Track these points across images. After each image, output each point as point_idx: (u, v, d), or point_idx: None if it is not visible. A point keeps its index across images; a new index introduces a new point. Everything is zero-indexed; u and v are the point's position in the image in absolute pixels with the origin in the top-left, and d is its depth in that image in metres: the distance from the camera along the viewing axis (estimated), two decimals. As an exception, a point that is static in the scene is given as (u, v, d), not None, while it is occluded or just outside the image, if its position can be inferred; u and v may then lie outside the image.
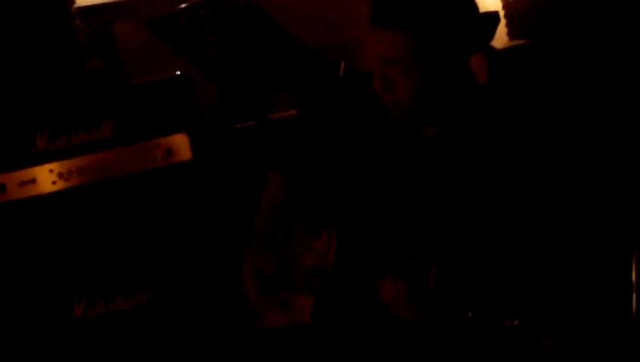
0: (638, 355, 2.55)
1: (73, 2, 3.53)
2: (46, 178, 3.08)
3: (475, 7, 2.23)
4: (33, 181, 3.08)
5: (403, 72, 2.16)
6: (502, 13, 3.86)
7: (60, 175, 3.08)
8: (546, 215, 2.15)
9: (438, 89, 2.19)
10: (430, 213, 2.19)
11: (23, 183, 3.07)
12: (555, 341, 2.13)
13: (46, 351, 3.08)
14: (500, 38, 3.80)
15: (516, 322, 1.90)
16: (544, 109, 2.33)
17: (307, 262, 2.29)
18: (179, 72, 3.13)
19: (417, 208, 2.21)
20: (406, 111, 2.21)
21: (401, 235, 2.19)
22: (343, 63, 3.52)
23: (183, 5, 3.44)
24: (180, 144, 3.10)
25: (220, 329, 3.08)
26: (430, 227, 2.17)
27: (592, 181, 2.70)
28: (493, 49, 2.55)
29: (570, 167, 2.25)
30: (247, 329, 2.52)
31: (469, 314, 1.93)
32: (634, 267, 2.55)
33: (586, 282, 2.38)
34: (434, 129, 2.26)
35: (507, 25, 3.90)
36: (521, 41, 3.84)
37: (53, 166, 3.08)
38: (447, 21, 2.15)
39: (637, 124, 3.28)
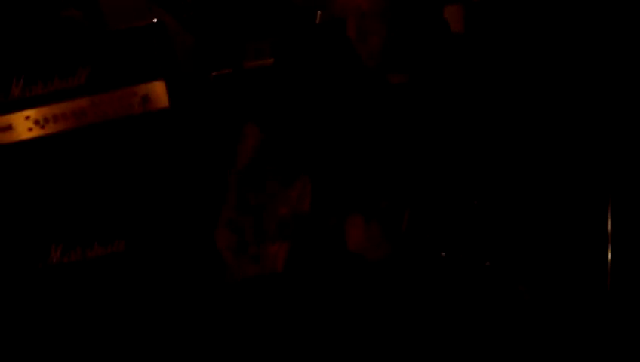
0: (612, 304, 2.59)
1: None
2: (22, 125, 3.08)
3: None
4: (9, 128, 3.08)
5: (378, 24, 2.17)
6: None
7: (36, 122, 3.08)
8: (521, 159, 2.18)
9: (412, 39, 2.21)
10: (403, 155, 2.22)
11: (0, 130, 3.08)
12: (529, 288, 2.17)
13: (22, 298, 3.10)
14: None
15: (488, 263, 1.93)
16: (518, 61, 2.35)
17: (282, 210, 2.31)
18: (155, 20, 3.12)
19: (391, 152, 2.24)
20: (379, 61, 2.23)
21: (375, 178, 2.22)
22: (319, 12, 3.52)
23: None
24: (157, 92, 3.10)
25: (196, 279, 3.10)
26: (404, 169, 2.21)
27: (568, 129, 2.72)
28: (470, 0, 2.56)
29: (545, 115, 2.27)
30: (222, 281, 2.55)
31: (442, 255, 1.96)
32: (609, 217, 2.58)
33: (561, 229, 2.41)
34: (403, 76, 2.28)
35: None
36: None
37: (30, 113, 3.08)
38: None
39: (607, 73, 3.31)
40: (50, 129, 3.09)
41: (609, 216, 2.56)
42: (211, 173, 3.06)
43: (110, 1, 3.65)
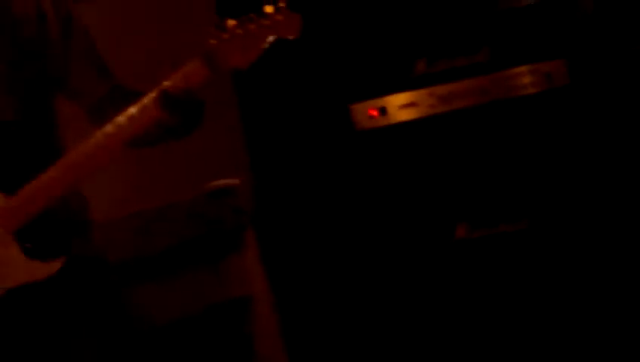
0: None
1: None
2: (425, 101, 3.15)
3: None
4: (413, 104, 3.16)
5: None
6: None
7: (440, 98, 3.13)
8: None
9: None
10: None
11: (403, 106, 3.16)
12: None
13: (429, 272, 3.17)
14: None
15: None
16: None
17: None
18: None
19: None
20: None
21: None
22: None
23: None
24: (558, 69, 3.06)
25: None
26: None
27: None
28: None
29: None
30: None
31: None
32: None
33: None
34: None
35: None
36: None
37: (433, 90, 3.14)
38: None
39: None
40: (452, 106, 3.13)
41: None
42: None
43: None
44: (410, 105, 3.15)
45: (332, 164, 3.22)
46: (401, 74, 3.16)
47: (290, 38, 2.01)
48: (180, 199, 3.30)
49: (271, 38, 2.00)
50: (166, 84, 1.97)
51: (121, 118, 1.98)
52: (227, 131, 3.43)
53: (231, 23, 1.99)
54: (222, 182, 3.33)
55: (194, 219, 3.27)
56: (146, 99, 1.98)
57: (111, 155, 2.01)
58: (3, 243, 2.02)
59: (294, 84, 3.25)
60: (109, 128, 1.99)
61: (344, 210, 3.23)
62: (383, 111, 3.16)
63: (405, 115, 3.16)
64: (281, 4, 2.00)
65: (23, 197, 2.01)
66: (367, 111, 3.16)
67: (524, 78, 3.08)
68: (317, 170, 3.24)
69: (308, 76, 3.21)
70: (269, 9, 2.00)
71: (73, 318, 2.07)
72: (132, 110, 1.98)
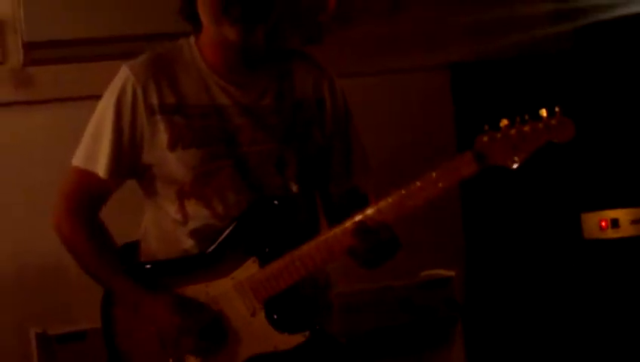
0: None
1: None
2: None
3: None
4: (646, 218, 3.09)
5: None
6: None
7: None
8: None
9: None
10: None
11: (636, 221, 3.09)
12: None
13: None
14: None
15: None
16: None
17: None
18: None
19: None
20: None
21: None
22: None
23: None
24: None
25: None
26: None
27: None
28: None
29: None
30: None
31: None
32: None
33: None
34: None
35: None
36: None
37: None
38: None
39: None
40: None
41: None
42: None
43: None
44: (644, 219, 3.10)
45: (554, 269, 3.17)
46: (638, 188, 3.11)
47: (562, 141, 2.00)
48: (394, 284, 3.29)
49: (542, 141, 1.99)
50: (368, 213, 1.99)
51: (333, 231, 2.02)
52: (448, 222, 3.44)
53: (504, 122, 1.99)
54: (436, 272, 3.32)
55: (405, 306, 3.25)
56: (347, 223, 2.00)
57: (334, 257, 2.04)
58: (252, 311, 2.06)
59: (522, 184, 3.22)
60: (329, 233, 2.04)
61: (559, 318, 3.16)
62: (614, 223, 3.09)
63: (637, 230, 3.09)
64: (557, 109, 1.99)
65: (277, 268, 2.04)
66: (598, 222, 3.10)
67: None
68: (535, 272, 3.20)
69: (540, 178, 3.18)
70: (543, 112, 1.99)
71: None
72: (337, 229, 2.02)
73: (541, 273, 3.21)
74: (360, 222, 1.99)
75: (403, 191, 1.99)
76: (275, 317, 2.08)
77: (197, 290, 2.08)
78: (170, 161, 2.08)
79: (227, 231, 2.08)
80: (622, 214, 3.10)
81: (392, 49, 3.59)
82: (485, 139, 1.99)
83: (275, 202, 2.08)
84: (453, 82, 3.54)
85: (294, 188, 2.12)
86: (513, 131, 1.98)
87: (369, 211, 1.99)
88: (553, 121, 1.98)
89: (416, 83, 3.60)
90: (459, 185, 3.26)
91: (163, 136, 2.08)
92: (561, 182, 3.18)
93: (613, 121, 3.16)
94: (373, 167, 2.25)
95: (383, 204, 1.98)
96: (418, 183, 1.99)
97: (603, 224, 3.10)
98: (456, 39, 3.59)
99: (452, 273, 3.30)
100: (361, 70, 3.48)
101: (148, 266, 2.16)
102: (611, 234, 3.11)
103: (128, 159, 2.11)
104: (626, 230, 3.10)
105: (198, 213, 2.09)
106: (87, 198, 2.14)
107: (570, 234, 3.14)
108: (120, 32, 3.29)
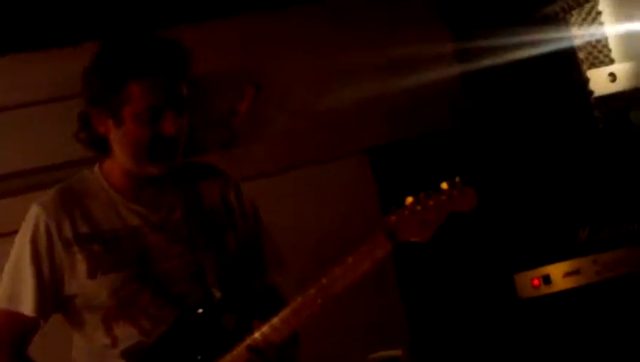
0: None
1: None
2: (589, 269, 3.13)
3: None
4: (577, 272, 3.14)
5: None
6: None
7: (604, 265, 3.11)
8: None
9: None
10: None
11: (568, 274, 3.14)
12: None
13: None
14: None
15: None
16: None
17: None
18: None
19: None
20: None
21: None
22: None
23: None
24: None
25: None
26: None
27: None
28: None
29: None
30: None
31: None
32: None
33: None
34: None
35: None
36: None
37: (597, 257, 3.13)
38: None
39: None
40: (617, 272, 3.11)
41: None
42: None
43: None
44: (574, 272, 3.14)
45: (494, 331, 3.20)
46: (565, 242, 3.16)
47: (467, 210, 2.07)
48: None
49: (447, 212, 2.06)
50: (256, 336, 2.06)
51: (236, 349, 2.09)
52: (388, 300, 3.48)
53: (409, 200, 2.06)
54: (385, 353, 3.34)
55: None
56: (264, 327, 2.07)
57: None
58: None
59: (454, 254, 3.27)
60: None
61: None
62: (546, 279, 3.15)
63: (569, 283, 3.15)
64: (457, 180, 2.06)
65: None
66: (530, 280, 3.15)
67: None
68: (477, 340, 3.23)
69: (471, 246, 3.23)
70: (444, 185, 2.06)
71: None
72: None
73: (482, 337, 3.23)
74: (249, 346, 2.06)
75: (324, 280, 2.05)
76: None
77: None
78: (92, 288, 2.11)
79: (154, 349, 2.10)
80: (552, 269, 3.15)
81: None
82: (394, 218, 2.05)
83: (200, 311, 2.11)
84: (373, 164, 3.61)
85: (217, 294, 2.15)
86: (419, 207, 2.05)
87: (256, 335, 2.06)
88: (455, 192, 2.06)
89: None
90: (392, 262, 3.30)
91: (82, 266, 2.11)
92: (490, 247, 3.22)
93: (519, 183, 3.22)
94: (288, 262, 2.30)
95: (276, 320, 2.06)
96: (337, 270, 2.05)
97: (535, 282, 3.15)
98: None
99: (399, 352, 3.32)
100: (281, 167, 3.56)
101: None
102: (545, 290, 3.15)
103: (52, 293, 2.12)
104: (558, 284, 3.15)
105: (127, 333, 2.10)
106: (17, 340, 2.15)
107: (506, 295, 3.17)
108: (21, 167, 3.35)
